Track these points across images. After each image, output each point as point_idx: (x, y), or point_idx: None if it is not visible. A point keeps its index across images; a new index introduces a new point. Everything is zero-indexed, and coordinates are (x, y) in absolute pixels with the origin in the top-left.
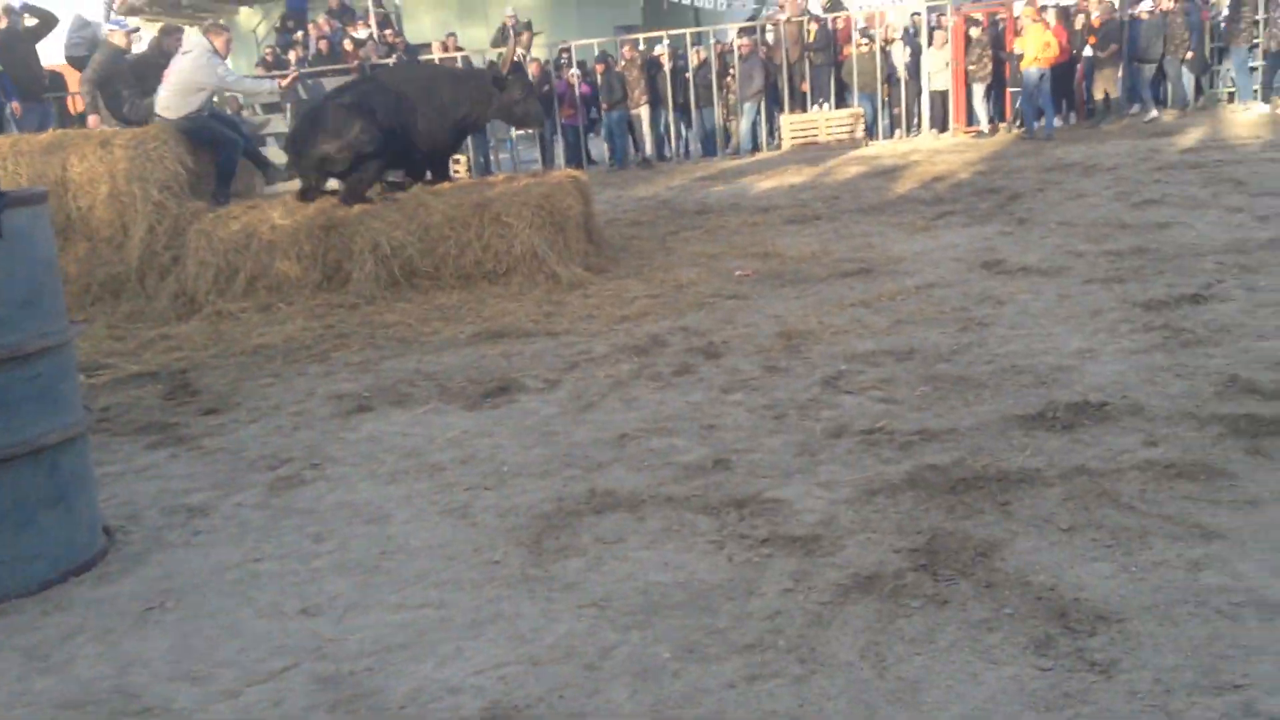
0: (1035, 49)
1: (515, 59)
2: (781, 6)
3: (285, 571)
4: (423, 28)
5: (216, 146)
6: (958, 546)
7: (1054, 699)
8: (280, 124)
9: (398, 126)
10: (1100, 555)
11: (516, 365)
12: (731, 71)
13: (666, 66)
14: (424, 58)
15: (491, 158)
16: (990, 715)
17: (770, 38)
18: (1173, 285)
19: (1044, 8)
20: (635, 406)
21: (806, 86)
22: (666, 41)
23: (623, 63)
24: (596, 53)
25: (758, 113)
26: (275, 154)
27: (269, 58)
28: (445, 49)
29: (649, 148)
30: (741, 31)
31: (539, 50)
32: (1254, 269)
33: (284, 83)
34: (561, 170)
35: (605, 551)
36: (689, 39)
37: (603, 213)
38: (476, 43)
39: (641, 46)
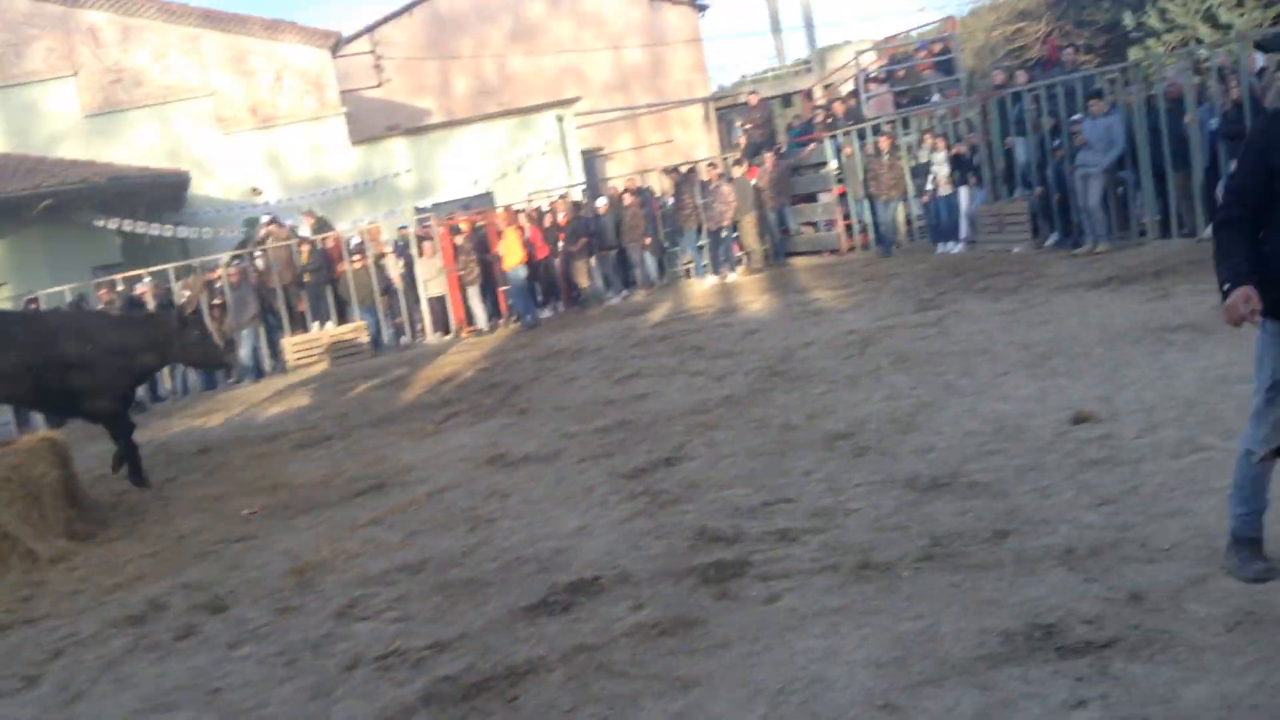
0: (510, 250)
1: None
2: (270, 233)
3: None
4: None
5: None
6: None
7: None
8: None
9: (47, 366)
10: None
11: None
12: (219, 300)
13: (150, 304)
14: None
15: None
16: None
17: (261, 263)
18: (651, 452)
19: (519, 212)
20: (130, 685)
21: (304, 306)
22: (149, 279)
23: (101, 306)
24: (70, 299)
25: (256, 338)
26: None
27: None
28: None
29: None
30: (231, 260)
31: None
32: (714, 426)
33: None
34: (36, 433)
35: None
36: (173, 273)
37: (90, 469)
38: None
39: (120, 287)
